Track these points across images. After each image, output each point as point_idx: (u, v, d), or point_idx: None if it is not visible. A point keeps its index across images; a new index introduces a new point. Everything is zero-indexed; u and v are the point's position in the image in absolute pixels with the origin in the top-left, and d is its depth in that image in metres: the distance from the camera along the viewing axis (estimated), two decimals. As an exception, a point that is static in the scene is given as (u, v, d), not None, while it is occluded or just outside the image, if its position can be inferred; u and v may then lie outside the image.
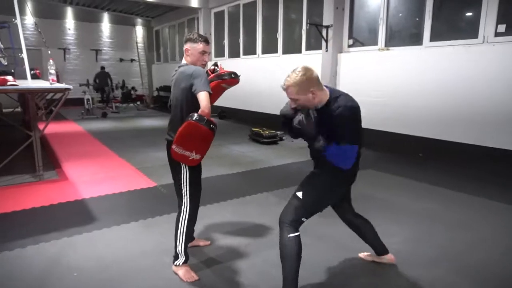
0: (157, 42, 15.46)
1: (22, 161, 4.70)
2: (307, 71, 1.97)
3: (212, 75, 2.55)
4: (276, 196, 3.96)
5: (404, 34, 6.20)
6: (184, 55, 2.41)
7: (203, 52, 2.37)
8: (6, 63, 6.28)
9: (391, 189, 4.21)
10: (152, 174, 4.72)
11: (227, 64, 7.57)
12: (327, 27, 6.81)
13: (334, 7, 6.70)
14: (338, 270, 2.53)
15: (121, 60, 15.13)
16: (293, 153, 6.04)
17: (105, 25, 14.81)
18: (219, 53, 10.86)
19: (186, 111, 2.27)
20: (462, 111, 5.15)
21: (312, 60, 7.18)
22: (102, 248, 2.79)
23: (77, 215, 3.42)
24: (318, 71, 7.52)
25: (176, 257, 2.43)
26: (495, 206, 3.67)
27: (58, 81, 4.62)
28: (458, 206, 3.68)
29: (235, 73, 2.59)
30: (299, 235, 2.07)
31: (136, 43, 15.58)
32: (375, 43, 6.44)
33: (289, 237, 2.04)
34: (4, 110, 8.79)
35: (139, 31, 15.67)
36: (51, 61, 4.47)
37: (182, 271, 2.40)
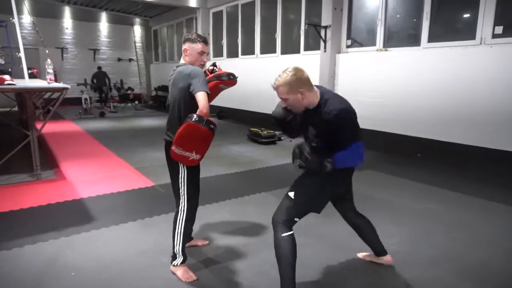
0: (155, 41, 15.43)
1: (20, 160, 4.69)
2: (297, 71, 1.98)
3: (210, 75, 2.55)
4: (274, 196, 3.96)
5: (402, 35, 6.22)
6: (183, 55, 2.41)
7: (202, 53, 2.37)
8: (3, 62, 6.27)
9: (390, 190, 4.22)
10: (150, 173, 4.72)
11: (225, 64, 7.57)
12: (325, 27, 6.83)
13: (332, 8, 6.71)
14: (337, 270, 2.53)
15: (119, 59, 15.10)
16: (291, 153, 6.03)
17: (103, 25, 14.78)
18: (218, 53, 10.85)
19: (184, 111, 2.27)
20: (460, 111, 5.17)
21: (311, 60, 7.20)
22: (100, 248, 2.79)
23: (75, 214, 3.42)
24: (316, 71, 7.56)
25: (174, 257, 2.43)
26: (495, 207, 3.68)
27: (56, 80, 4.61)
28: (458, 206, 3.69)
29: (233, 74, 2.59)
30: (292, 234, 2.08)
31: (134, 42, 15.55)
32: (373, 44, 6.45)
33: (282, 236, 2.05)
34: (0, 110, 8.75)
35: (137, 31, 15.64)
36: (49, 60, 4.46)
37: (180, 271, 2.40)
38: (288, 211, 2.10)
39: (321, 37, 6.92)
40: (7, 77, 4.16)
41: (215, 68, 2.61)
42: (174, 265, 2.43)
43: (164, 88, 13.53)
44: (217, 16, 10.77)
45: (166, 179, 4.02)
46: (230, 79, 2.55)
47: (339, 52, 6.99)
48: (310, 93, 2.01)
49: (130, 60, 15.46)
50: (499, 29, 4.81)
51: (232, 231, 3.12)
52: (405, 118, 5.88)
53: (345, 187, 2.35)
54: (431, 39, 5.59)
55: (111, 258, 2.65)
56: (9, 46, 6.69)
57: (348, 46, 6.97)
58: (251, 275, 2.45)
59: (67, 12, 13.77)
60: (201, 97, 2.17)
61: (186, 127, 2.16)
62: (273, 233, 2.10)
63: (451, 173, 4.82)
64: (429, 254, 2.72)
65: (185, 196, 2.39)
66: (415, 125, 5.74)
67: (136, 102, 13.71)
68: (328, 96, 2.05)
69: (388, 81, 6.10)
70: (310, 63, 7.11)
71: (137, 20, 15.17)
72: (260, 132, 6.99)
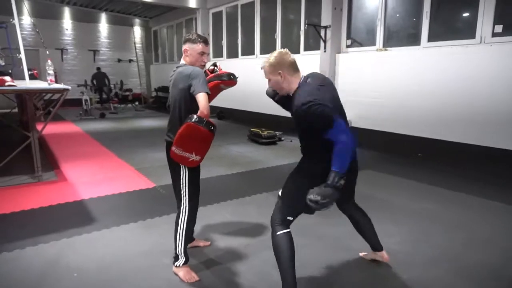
0: (155, 42, 15.44)
1: (20, 162, 4.69)
2: (281, 54, 2.06)
3: (211, 75, 2.55)
4: (275, 196, 3.90)
5: (402, 35, 6.22)
6: (183, 55, 2.40)
7: (202, 53, 2.36)
8: (3, 64, 6.28)
9: (390, 189, 4.22)
10: (151, 174, 4.72)
11: (225, 64, 7.57)
12: (325, 27, 6.83)
13: (332, 8, 6.71)
14: (337, 270, 2.53)
15: (119, 60, 15.11)
16: (291, 153, 6.04)
17: (103, 26, 14.79)
18: (217, 53, 10.86)
19: (184, 112, 2.27)
20: (460, 110, 5.17)
21: (311, 60, 7.20)
22: (102, 249, 2.79)
23: (76, 216, 3.42)
24: (316, 71, 7.56)
25: (176, 258, 2.43)
26: (494, 207, 3.68)
27: (56, 81, 4.61)
28: (457, 206, 3.69)
29: (233, 75, 2.58)
30: (289, 231, 2.09)
31: (134, 43, 15.56)
32: (373, 44, 6.46)
33: (278, 234, 2.08)
34: (0, 111, 8.75)
35: (137, 32, 15.65)
36: (49, 61, 4.46)
37: (182, 272, 2.40)
38: (280, 210, 2.14)
39: (321, 37, 6.92)
40: (7, 78, 4.16)
41: (215, 68, 2.62)
42: (176, 266, 2.43)
43: (164, 89, 13.54)
44: (217, 16, 10.78)
45: (167, 180, 4.03)
46: (230, 79, 2.55)
47: (339, 52, 6.99)
48: (291, 78, 2.05)
49: (130, 61, 15.47)
50: (499, 28, 4.81)
51: (234, 232, 3.12)
52: (405, 118, 5.88)
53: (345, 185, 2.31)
54: (431, 38, 5.59)
55: (113, 259, 2.65)
56: (9, 47, 6.70)
57: (348, 46, 6.97)
58: (252, 276, 2.45)
59: (66, 13, 13.79)
60: (201, 98, 2.17)
61: (186, 127, 2.16)
62: (271, 232, 2.13)
63: (450, 173, 4.82)
64: (428, 254, 2.73)
65: (187, 197, 2.39)
66: (415, 124, 5.74)
67: (136, 103, 13.72)
68: (303, 86, 2.04)
69: (388, 80, 6.10)
70: (310, 63, 7.11)
71: (137, 21, 15.19)
72: (261, 133, 6.99)
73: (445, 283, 2.37)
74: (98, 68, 12.98)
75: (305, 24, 7.70)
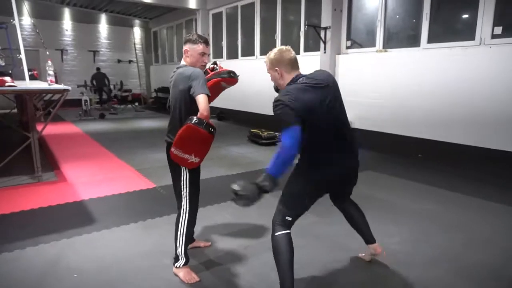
0: (155, 43, 15.45)
1: (20, 162, 4.69)
2: (281, 51, 2.10)
3: (211, 73, 2.55)
4: (276, 197, 3.94)
5: (402, 36, 6.23)
6: (183, 56, 2.40)
7: (203, 54, 2.36)
8: (3, 64, 6.27)
9: (390, 190, 4.23)
10: (151, 175, 4.72)
11: (225, 65, 7.55)
12: (325, 28, 6.84)
13: (332, 9, 6.73)
14: (336, 270, 2.53)
15: (119, 61, 15.12)
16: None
17: (103, 26, 14.80)
18: (217, 54, 10.86)
19: (184, 113, 2.27)
20: (460, 112, 5.18)
21: (311, 61, 7.20)
22: (102, 249, 2.79)
23: (76, 216, 3.42)
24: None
25: (176, 259, 2.43)
26: (494, 207, 3.69)
27: (56, 82, 4.61)
28: (456, 206, 3.69)
29: (234, 72, 2.58)
30: (288, 233, 2.09)
31: (134, 44, 15.57)
32: (373, 45, 6.47)
33: (276, 235, 2.08)
34: (0, 111, 8.75)
35: (137, 32, 15.66)
36: (49, 62, 4.46)
37: (182, 273, 2.40)
38: (280, 211, 2.15)
39: (321, 38, 6.93)
40: (7, 78, 4.16)
41: (215, 66, 2.61)
42: (176, 267, 2.43)
43: (164, 90, 13.54)
44: (217, 17, 10.79)
45: (167, 180, 4.02)
46: (231, 77, 2.54)
47: (339, 53, 7.00)
48: (287, 75, 2.08)
49: (130, 61, 15.48)
50: (498, 30, 4.82)
51: (234, 233, 3.12)
52: (405, 119, 5.89)
53: (337, 186, 2.31)
54: (430, 39, 5.60)
55: (113, 259, 2.65)
56: (9, 47, 6.70)
57: (348, 47, 6.98)
58: (252, 277, 2.45)
59: (66, 13, 13.80)
60: (201, 100, 2.17)
61: (185, 129, 2.16)
62: (271, 233, 2.13)
63: (450, 174, 4.83)
64: (428, 254, 2.73)
65: (187, 197, 2.39)
66: (415, 125, 5.75)
67: (136, 104, 13.72)
68: (288, 85, 2.05)
69: (388, 81, 6.11)
70: (310, 64, 7.11)
71: (137, 21, 15.20)
72: (261, 133, 6.99)
73: (445, 283, 2.37)
74: (98, 69, 12.98)
75: (305, 25, 7.71)
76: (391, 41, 6.29)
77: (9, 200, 3.77)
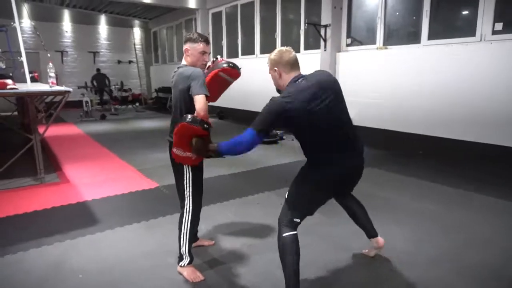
0: (155, 43, 15.46)
1: (23, 164, 4.70)
2: (281, 52, 2.12)
3: (210, 67, 2.54)
4: (277, 195, 3.97)
5: (402, 33, 6.23)
6: (184, 55, 2.40)
7: (203, 52, 2.36)
8: (4, 67, 6.28)
9: (392, 188, 4.22)
10: (153, 175, 4.73)
11: (225, 64, 7.58)
12: (325, 26, 6.83)
13: (332, 7, 6.72)
14: (339, 269, 2.53)
15: (119, 62, 15.13)
16: (293, 152, 6.05)
17: (103, 27, 14.80)
18: (217, 53, 10.81)
19: (185, 112, 2.27)
20: (461, 108, 5.17)
21: (311, 59, 7.20)
22: (106, 250, 2.80)
23: (79, 217, 3.43)
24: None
25: (180, 257, 2.44)
26: (495, 206, 3.65)
27: (57, 83, 4.62)
28: (458, 205, 3.65)
29: (233, 63, 2.55)
30: (295, 234, 2.09)
31: (134, 44, 15.57)
32: (373, 42, 6.46)
33: (283, 236, 2.07)
34: (2, 114, 8.77)
35: (137, 33, 15.67)
36: (50, 64, 4.47)
37: (187, 272, 2.41)
38: (286, 211, 2.14)
39: (321, 36, 6.93)
40: (9, 81, 4.17)
41: (215, 59, 2.60)
42: (181, 266, 2.44)
43: (165, 90, 13.55)
44: (217, 16, 10.79)
45: (170, 180, 4.02)
46: (230, 67, 2.51)
47: (339, 51, 7.00)
48: (286, 75, 2.09)
49: (130, 62, 15.49)
50: (499, 26, 4.81)
51: (237, 232, 3.13)
52: (405, 115, 5.89)
53: (342, 186, 2.32)
54: (431, 36, 5.60)
55: (117, 259, 2.66)
56: (9, 50, 6.71)
57: (348, 45, 6.97)
58: (256, 276, 2.45)
59: (66, 15, 13.81)
60: (199, 100, 2.17)
61: (180, 128, 2.17)
62: (278, 233, 2.12)
63: (453, 171, 4.81)
64: (430, 253, 2.71)
65: (190, 197, 2.40)
66: (416, 122, 5.75)
67: (137, 104, 13.73)
68: (289, 86, 2.06)
69: (388, 78, 6.11)
70: (311, 62, 7.12)
71: (137, 22, 15.21)
72: (262, 132, 6.98)
73: (446, 282, 2.36)
74: (98, 70, 12.99)
75: (305, 23, 7.70)
76: (391, 38, 6.28)
77: (12, 202, 3.78)
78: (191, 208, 2.40)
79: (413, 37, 5.89)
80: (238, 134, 2.05)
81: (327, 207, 2.30)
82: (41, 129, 4.58)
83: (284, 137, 7.19)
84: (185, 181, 2.38)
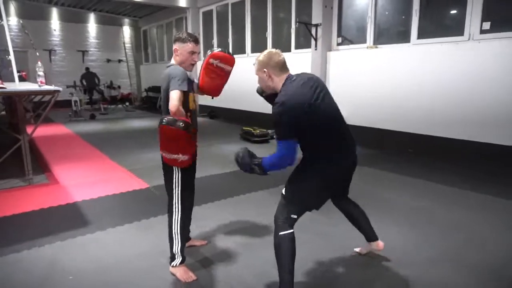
0: (145, 42, 15.33)
1: (10, 165, 4.62)
2: (270, 54, 2.12)
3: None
4: (270, 194, 3.97)
5: (392, 32, 6.29)
6: (173, 55, 2.38)
7: (193, 52, 2.34)
8: (-9, 66, 6.17)
9: (388, 187, 4.21)
10: (144, 175, 4.69)
11: (217, 63, 7.54)
12: (316, 25, 6.86)
13: (322, 6, 6.75)
14: (335, 267, 2.55)
15: (108, 61, 14.97)
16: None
17: (92, 26, 14.63)
18: (206, 54, 10.82)
19: (168, 112, 2.26)
20: (451, 106, 5.24)
21: (302, 58, 7.22)
22: (98, 251, 2.77)
23: (70, 218, 3.38)
24: (308, 69, 7.62)
25: (173, 257, 2.43)
26: (493, 204, 3.63)
27: (46, 83, 4.55)
28: (456, 204, 3.64)
29: (223, 48, 2.54)
30: (292, 232, 2.08)
31: (124, 43, 15.42)
32: (364, 41, 6.50)
33: (280, 234, 2.07)
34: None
35: (126, 31, 15.52)
36: (39, 63, 4.39)
37: (179, 272, 2.40)
38: (284, 208, 2.13)
39: (311, 35, 6.95)
40: (-4, 81, 4.10)
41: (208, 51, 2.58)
42: (173, 266, 2.42)
43: (155, 89, 13.46)
44: (207, 15, 10.74)
45: (160, 180, 3.99)
46: (220, 51, 2.48)
47: (330, 50, 7.03)
48: (276, 77, 2.10)
49: (120, 61, 15.34)
50: (486, 25, 4.89)
51: (230, 231, 3.13)
52: (396, 114, 5.94)
53: (339, 183, 2.33)
54: (420, 35, 5.66)
55: (109, 261, 2.63)
56: (-4, 49, 6.58)
57: (338, 44, 7.01)
58: (250, 275, 2.45)
59: (54, 13, 13.61)
60: (171, 95, 2.16)
61: (159, 130, 2.17)
62: (274, 231, 2.12)
63: (448, 170, 4.79)
64: (429, 253, 2.70)
65: (179, 196, 2.38)
66: (407, 120, 5.81)
67: (127, 104, 13.62)
68: (286, 85, 2.07)
69: (379, 77, 6.16)
70: (302, 61, 7.14)
71: (126, 20, 15.06)
72: (253, 131, 6.99)
73: (446, 282, 2.34)
74: (87, 68, 12.84)
75: (295, 22, 7.71)
76: (381, 37, 6.33)
77: (0, 204, 3.71)
78: (179, 208, 2.39)
79: (403, 36, 5.95)
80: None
81: (325, 205, 2.30)
82: (29, 129, 4.52)
83: (275, 136, 7.18)
84: (174, 180, 2.36)
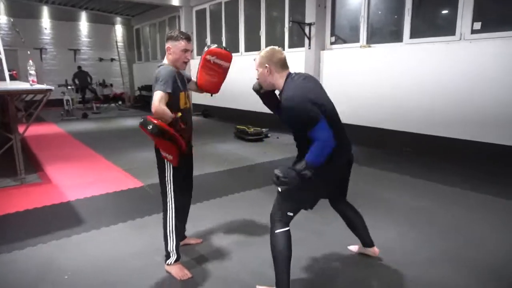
0: (137, 41, 15.24)
1: (2, 164, 4.56)
2: (273, 50, 2.16)
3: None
4: (264, 192, 3.99)
5: (385, 31, 6.34)
6: (166, 53, 2.38)
7: (185, 50, 2.34)
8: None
9: (386, 186, 4.20)
10: (138, 174, 4.67)
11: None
12: (309, 24, 6.88)
13: (316, 5, 6.78)
14: (333, 266, 2.55)
15: (100, 59, 14.85)
16: (278, 150, 6.08)
17: (83, 24, 14.50)
18: (202, 51, 10.78)
19: None
20: (443, 106, 5.30)
21: (295, 57, 7.23)
22: (93, 250, 2.76)
23: (63, 217, 3.36)
24: (301, 68, 7.63)
25: (167, 256, 2.43)
26: (493, 204, 3.62)
27: (37, 82, 4.50)
28: (456, 204, 3.62)
29: (218, 44, 2.55)
30: (288, 230, 2.10)
31: (116, 42, 15.31)
32: (357, 40, 6.55)
33: (276, 232, 2.08)
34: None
35: (119, 30, 15.41)
36: (31, 61, 4.35)
37: (174, 270, 2.40)
38: (280, 206, 2.14)
39: (305, 34, 6.98)
40: (-13, 79, 4.05)
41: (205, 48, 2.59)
42: (168, 264, 2.43)
43: (148, 88, 13.38)
44: (201, 14, 10.72)
45: (154, 179, 3.97)
46: (216, 47, 2.51)
47: (324, 49, 7.06)
48: (277, 74, 2.12)
49: (112, 60, 15.22)
50: (477, 25, 4.95)
51: (225, 229, 3.13)
52: (388, 113, 5.99)
53: (336, 182, 2.34)
54: (413, 35, 5.71)
55: (105, 260, 2.62)
56: (-14, 47, 6.49)
57: (332, 43, 7.04)
58: (245, 272, 2.46)
59: (45, 11, 13.46)
60: (153, 97, 2.19)
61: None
62: (270, 229, 2.13)
63: (449, 170, 4.75)
64: (429, 253, 2.68)
65: (172, 194, 2.38)
66: (399, 119, 5.86)
67: (120, 102, 13.52)
68: (289, 82, 2.09)
69: (371, 76, 6.20)
70: (295, 60, 7.14)
71: (118, 19, 14.95)
72: (247, 130, 7.00)
73: (446, 282, 2.33)
74: (80, 67, 12.73)
75: (289, 21, 7.73)
76: (374, 37, 6.38)
77: (-8, 203, 3.67)
78: (173, 205, 2.39)
79: (396, 36, 6.00)
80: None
81: (320, 202, 2.31)
82: (21, 129, 4.47)
83: (269, 135, 7.21)
84: (166, 178, 2.37)
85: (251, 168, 5.13)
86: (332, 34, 7.01)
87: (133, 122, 9.84)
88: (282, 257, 2.06)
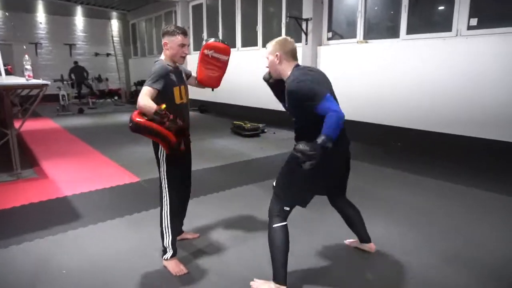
0: (133, 36, 15.14)
1: (-2, 160, 4.56)
2: (285, 40, 2.19)
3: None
4: (261, 187, 4.00)
5: (382, 27, 6.34)
6: (163, 49, 2.37)
7: (182, 45, 2.33)
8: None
9: (386, 187, 4.14)
10: (134, 169, 4.66)
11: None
12: (306, 20, 6.87)
13: (313, 0, 6.76)
14: (329, 263, 2.57)
15: (96, 54, 14.75)
16: (275, 145, 6.09)
17: (79, 19, 14.38)
18: (198, 47, 10.70)
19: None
20: (439, 101, 5.33)
21: (292, 53, 7.22)
22: (90, 246, 2.76)
23: (60, 213, 3.36)
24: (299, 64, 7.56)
25: (164, 251, 2.44)
26: (494, 202, 3.60)
27: (33, 77, 4.48)
28: (456, 203, 3.60)
29: (216, 38, 2.55)
30: (285, 224, 2.11)
31: (112, 37, 15.21)
32: (354, 36, 6.55)
33: (274, 227, 2.10)
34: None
35: (115, 25, 15.30)
36: (26, 56, 4.32)
37: (171, 265, 2.41)
38: (276, 200, 2.16)
39: (302, 29, 6.97)
40: (-18, 74, 4.02)
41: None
42: (165, 259, 2.44)
43: (144, 83, 13.33)
44: (197, 9, 10.66)
45: (150, 174, 3.97)
46: (214, 41, 2.51)
47: (320, 45, 7.06)
48: (287, 62, 2.15)
49: (108, 55, 15.13)
50: (474, 21, 4.96)
51: (222, 224, 3.15)
52: (384, 108, 6.01)
53: (332, 180, 2.34)
54: (409, 31, 5.72)
55: (102, 254, 2.63)
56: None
57: (329, 39, 7.04)
58: (242, 267, 2.48)
59: (40, 6, 13.34)
60: (141, 92, 2.20)
61: None
62: (268, 224, 2.14)
63: (450, 169, 4.70)
64: (428, 253, 2.67)
65: (167, 189, 2.38)
66: (395, 115, 5.88)
67: (116, 98, 13.46)
68: (295, 71, 2.11)
69: (368, 72, 6.21)
70: (292, 55, 7.14)
71: (114, 13, 14.84)
72: (244, 125, 7.01)
73: (446, 282, 2.33)
74: (76, 62, 12.65)
75: (286, 16, 7.72)
76: (371, 32, 6.38)
77: (-12, 199, 3.66)
78: (168, 200, 2.40)
79: (392, 32, 6.01)
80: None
81: (314, 199, 2.31)
82: (16, 124, 4.45)
83: (266, 130, 7.22)
84: (161, 173, 2.38)
85: (247, 163, 5.14)
86: (329, 30, 7.01)
87: (129, 117, 9.79)
88: (279, 251, 2.07)
